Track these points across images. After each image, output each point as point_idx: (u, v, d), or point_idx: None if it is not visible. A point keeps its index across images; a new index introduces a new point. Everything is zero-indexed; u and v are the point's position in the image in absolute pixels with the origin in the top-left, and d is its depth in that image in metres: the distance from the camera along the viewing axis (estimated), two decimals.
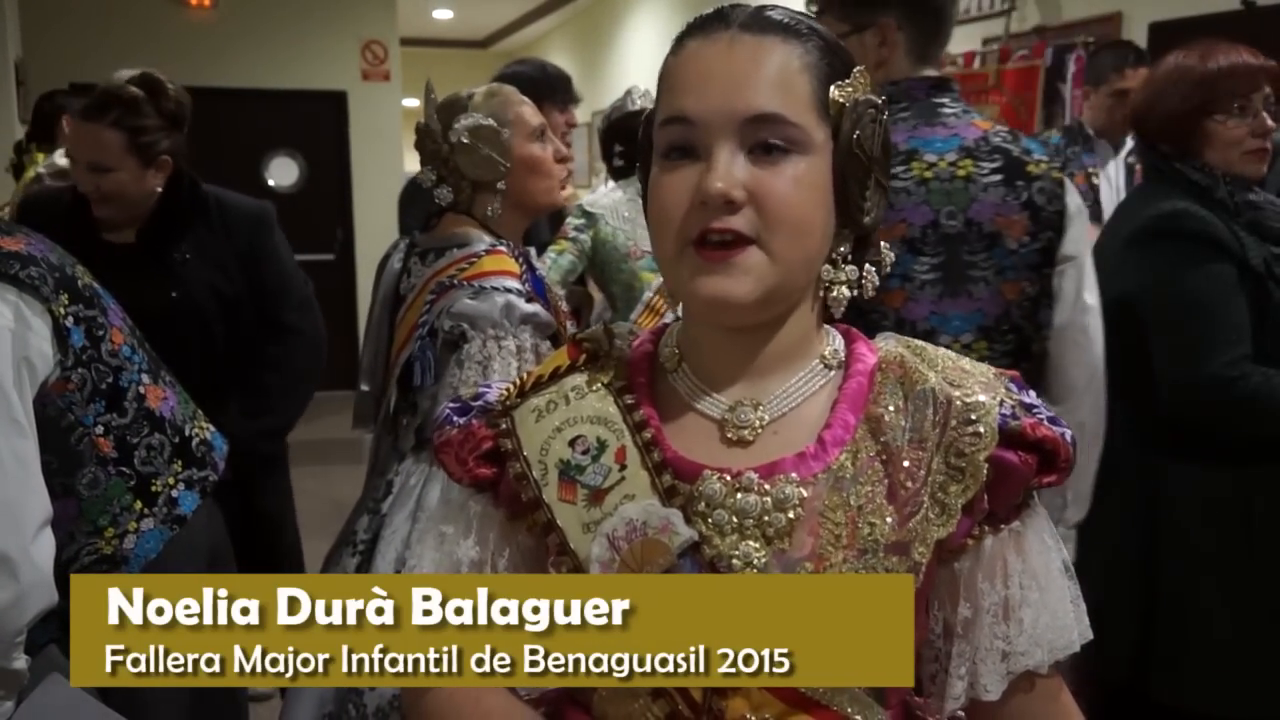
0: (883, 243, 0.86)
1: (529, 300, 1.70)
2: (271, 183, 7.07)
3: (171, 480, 1.54)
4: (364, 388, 1.91)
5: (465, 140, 1.75)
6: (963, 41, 4.70)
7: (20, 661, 1.29)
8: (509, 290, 1.68)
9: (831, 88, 0.79)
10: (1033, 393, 0.85)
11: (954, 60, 4.61)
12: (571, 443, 0.83)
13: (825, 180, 0.79)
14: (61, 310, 1.41)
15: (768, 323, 0.81)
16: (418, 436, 1.79)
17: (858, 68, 0.82)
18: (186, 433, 1.61)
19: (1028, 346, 1.61)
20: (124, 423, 1.49)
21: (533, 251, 1.86)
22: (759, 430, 0.81)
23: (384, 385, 1.85)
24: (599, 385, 0.86)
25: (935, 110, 1.60)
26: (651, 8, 7.61)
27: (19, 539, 1.27)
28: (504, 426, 0.86)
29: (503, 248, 1.76)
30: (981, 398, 0.80)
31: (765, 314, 0.80)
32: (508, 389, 0.89)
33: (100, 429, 1.45)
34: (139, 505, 1.48)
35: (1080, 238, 1.62)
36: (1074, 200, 1.62)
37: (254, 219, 2.40)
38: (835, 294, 0.82)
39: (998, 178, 1.56)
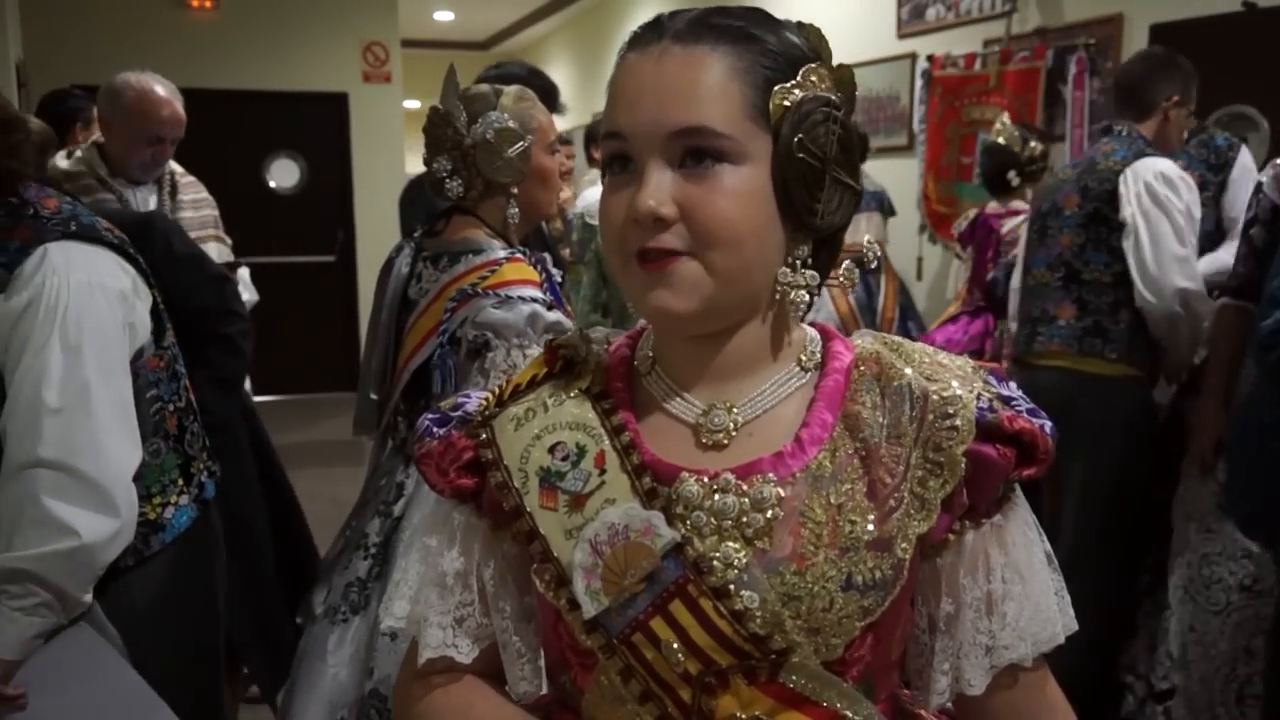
0: (867, 236, 0.86)
1: (550, 309, 1.69)
2: (272, 184, 7.08)
3: (202, 466, 1.66)
4: (373, 396, 1.87)
5: (490, 138, 1.73)
6: (963, 43, 4.71)
7: (90, 594, 1.40)
8: (534, 300, 1.67)
9: (775, 90, 0.77)
10: (1012, 384, 0.85)
11: (954, 61, 4.61)
12: (551, 449, 0.83)
13: (764, 188, 0.77)
14: (157, 296, 1.59)
15: (727, 328, 0.81)
16: None
17: (808, 66, 0.79)
18: (205, 431, 1.72)
19: (1078, 275, 2.66)
20: (181, 406, 1.63)
21: (548, 258, 1.84)
22: (733, 433, 0.81)
23: (390, 391, 1.83)
24: (576, 391, 0.86)
25: (1097, 145, 2.79)
26: (652, 10, 7.60)
27: (122, 478, 1.39)
28: (484, 436, 0.86)
29: (520, 255, 1.75)
30: (958, 391, 0.80)
31: (714, 323, 0.80)
32: (486, 398, 0.89)
33: (171, 407, 1.60)
34: (181, 482, 1.60)
35: (1135, 208, 2.55)
36: (1131, 185, 2.55)
37: None
38: (794, 297, 0.80)
39: (1074, 175, 2.72)
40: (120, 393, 1.44)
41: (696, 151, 0.75)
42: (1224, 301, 2.46)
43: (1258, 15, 3.47)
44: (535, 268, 1.75)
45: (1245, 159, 3.17)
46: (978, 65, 4.53)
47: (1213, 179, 3.24)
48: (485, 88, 1.79)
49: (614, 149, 0.79)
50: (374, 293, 1.91)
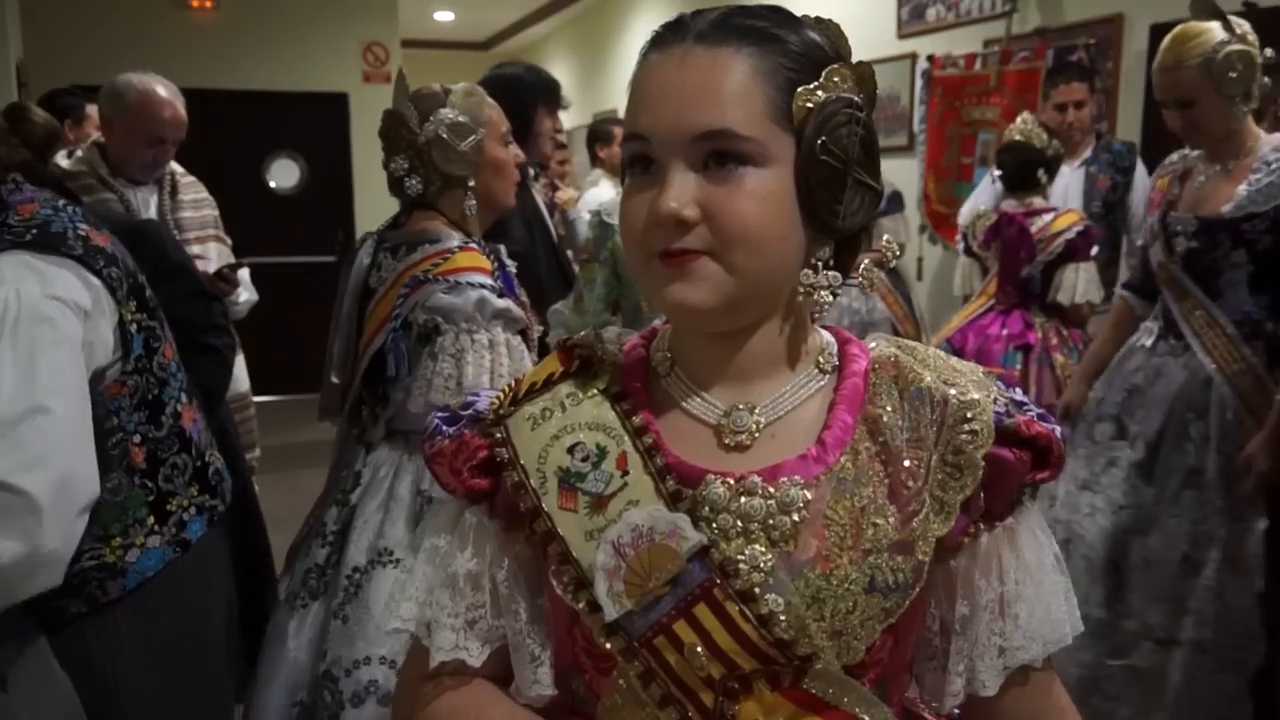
0: (886, 236, 0.86)
1: (500, 296, 1.74)
2: (273, 184, 7.07)
3: (185, 503, 1.52)
4: (334, 380, 1.92)
5: (443, 134, 1.79)
6: (963, 43, 4.71)
7: None
8: (483, 286, 1.72)
9: (798, 92, 0.76)
10: (1019, 391, 0.86)
11: (954, 61, 4.61)
12: (570, 450, 0.82)
13: (786, 190, 0.76)
14: (129, 315, 1.44)
15: (745, 327, 0.81)
16: (388, 428, 1.84)
17: (832, 66, 0.78)
18: (206, 458, 1.60)
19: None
20: (159, 436, 1.48)
21: (503, 249, 1.89)
22: (756, 434, 0.81)
23: (351, 377, 1.89)
24: (594, 391, 0.85)
25: None
26: (652, 10, 7.61)
27: (66, 509, 1.24)
28: (498, 435, 0.84)
29: (474, 245, 1.80)
30: (976, 395, 0.80)
31: (733, 320, 0.80)
32: (499, 397, 0.88)
33: (138, 438, 1.45)
34: (151, 521, 1.46)
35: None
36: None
37: None
38: (816, 297, 0.80)
39: None
40: (83, 420, 1.31)
41: (719, 154, 0.75)
42: (1121, 293, 2.67)
43: (1258, 15, 3.47)
44: (488, 256, 1.80)
45: (1139, 165, 3.57)
46: (978, 65, 4.54)
47: (1120, 180, 3.62)
48: (435, 87, 1.86)
49: (636, 150, 0.79)
50: (338, 283, 1.94)
